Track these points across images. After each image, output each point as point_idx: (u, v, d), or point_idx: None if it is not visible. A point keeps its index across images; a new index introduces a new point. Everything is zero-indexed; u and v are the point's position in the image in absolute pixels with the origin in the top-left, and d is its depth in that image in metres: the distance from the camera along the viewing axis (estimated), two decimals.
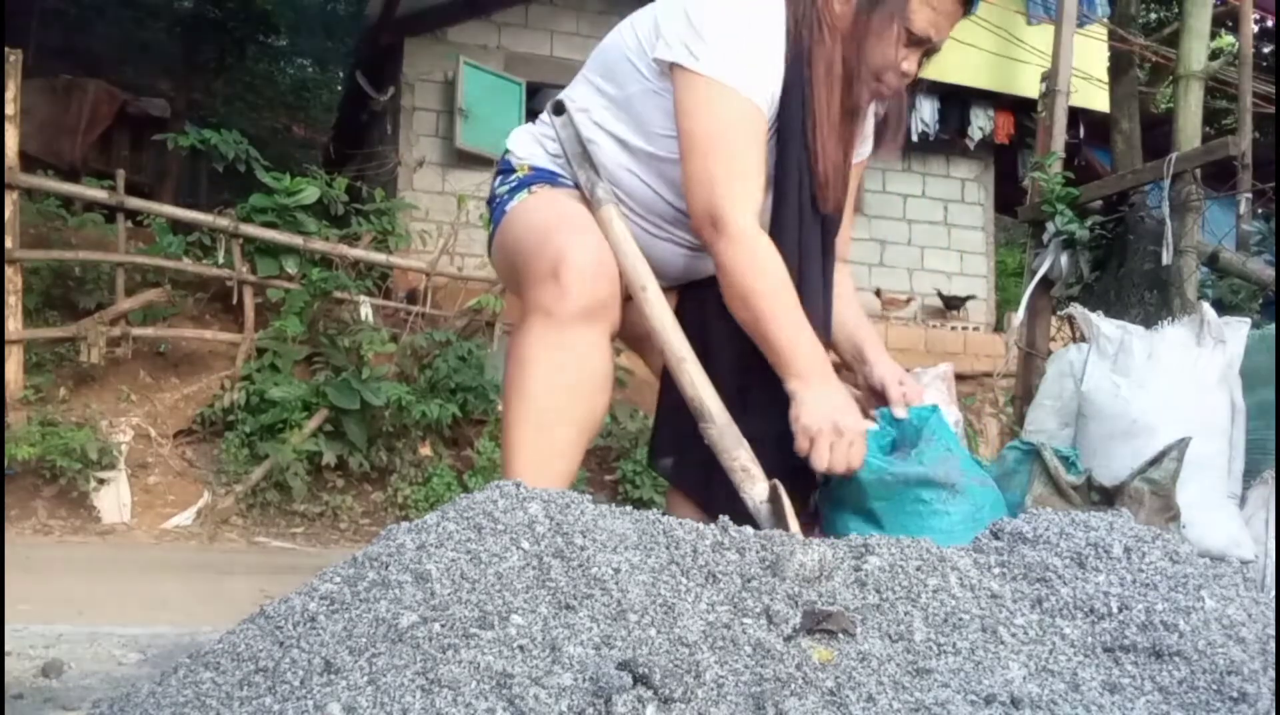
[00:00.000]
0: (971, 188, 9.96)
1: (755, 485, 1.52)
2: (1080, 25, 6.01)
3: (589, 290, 1.59)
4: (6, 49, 4.83)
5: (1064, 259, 3.91)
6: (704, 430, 1.58)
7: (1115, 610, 1.11)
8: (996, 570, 1.20)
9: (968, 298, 9.42)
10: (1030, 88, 7.87)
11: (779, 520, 1.47)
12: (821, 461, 1.55)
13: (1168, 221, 3.49)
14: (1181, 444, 2.53)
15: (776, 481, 1.51)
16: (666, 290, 1.73)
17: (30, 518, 4.50)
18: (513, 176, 1.84)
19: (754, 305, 1.62)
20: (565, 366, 1.60)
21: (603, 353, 1.65)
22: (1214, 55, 5.01)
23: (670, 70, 1.65)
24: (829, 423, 1.55)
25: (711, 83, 1.61)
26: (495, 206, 1.84)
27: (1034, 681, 1.00)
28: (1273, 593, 1.65)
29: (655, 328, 1.62)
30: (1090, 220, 3.88)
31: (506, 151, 1.89)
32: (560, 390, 1.61)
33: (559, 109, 1.82)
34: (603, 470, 5.96)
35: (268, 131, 12.55)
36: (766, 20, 1.67)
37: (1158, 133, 7.62)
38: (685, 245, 1.80)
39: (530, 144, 1.87)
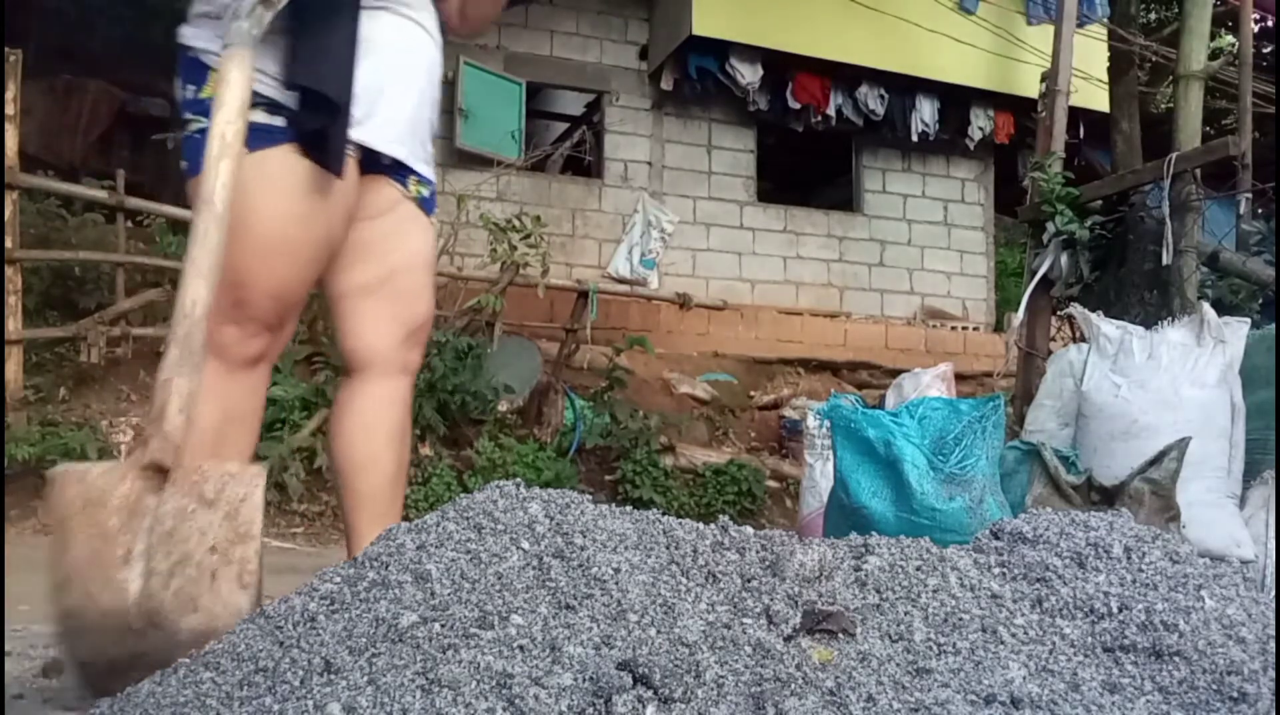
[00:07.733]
0: (971, 188, 9.96)
1: None
2: (1080, 25, 6.02)
3: (268, 340, 1.65)
4: (6, 49, 4.82)
5: (1064, 259, 3.91)
6: None
7: (1115, 610, 1.11)
8: (996, 570, 1.19)
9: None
10: (1030, 88, 7.87)
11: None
12: None
13: (1168, 221, 3.49)
14: (1181, 444, 2.54)
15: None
16: None
17: (30, 518, 4.49)
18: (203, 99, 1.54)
19: None
20: (235, 402, 1.65)
21: (265, 384, 1.71)
22: (1214, 55, 5.01)
23: None
24: None
25: None
26: (187, 146, 1.59)
27: (1034, 681, 1.00)
28: (1273, 593, 1.65)
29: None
30: (1090, 220, 3.88)
31: (188, 49, 1.60)
32: (233, 423, 1.65)
33: None
34: (603, 470, 5.96)
35: None
36: None
37: (1158, 133, 7.62)
38: None
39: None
